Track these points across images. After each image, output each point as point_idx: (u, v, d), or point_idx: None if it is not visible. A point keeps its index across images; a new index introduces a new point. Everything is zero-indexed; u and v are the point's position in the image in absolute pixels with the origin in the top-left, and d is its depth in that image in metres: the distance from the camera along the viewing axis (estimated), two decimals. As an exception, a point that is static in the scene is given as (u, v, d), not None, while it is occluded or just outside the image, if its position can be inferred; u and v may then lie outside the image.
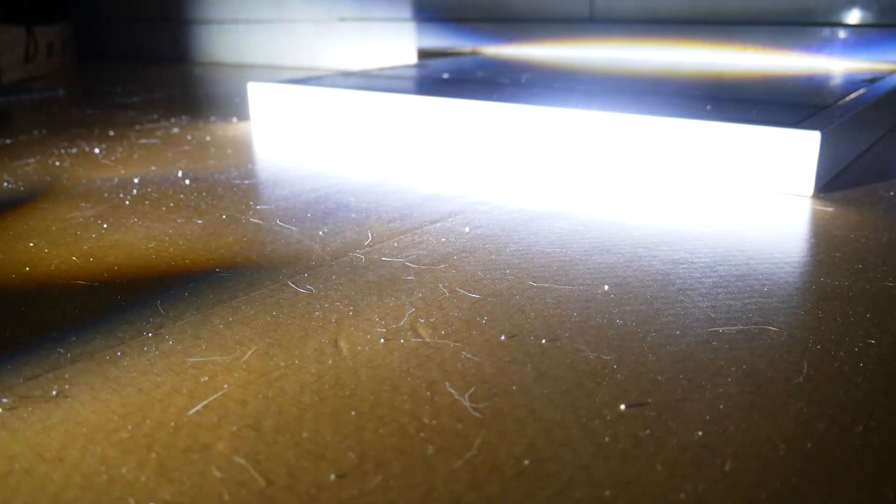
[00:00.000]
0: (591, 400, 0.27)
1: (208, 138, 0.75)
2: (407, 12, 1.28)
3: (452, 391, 0.28)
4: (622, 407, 0.27)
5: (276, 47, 1.47)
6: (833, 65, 0.93)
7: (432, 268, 0.40)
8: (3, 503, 0.23)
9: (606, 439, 0.25)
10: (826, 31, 0.94)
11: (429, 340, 0.32)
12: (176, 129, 0.80)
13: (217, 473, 0.24)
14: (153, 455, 0.25)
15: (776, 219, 0.48)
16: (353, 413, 0.27)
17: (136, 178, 0.60)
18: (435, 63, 1.02)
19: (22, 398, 0.28)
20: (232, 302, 0.36)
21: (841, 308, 0.34)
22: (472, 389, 0.28)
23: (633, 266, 0.40)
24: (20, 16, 1.54)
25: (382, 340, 0.32)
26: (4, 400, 0.28)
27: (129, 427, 0.26)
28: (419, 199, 0.52)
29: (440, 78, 0.86)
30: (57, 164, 0.66)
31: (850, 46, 0.93)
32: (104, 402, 0.28)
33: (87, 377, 0.30)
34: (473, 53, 1.17)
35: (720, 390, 0.28)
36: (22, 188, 0.57)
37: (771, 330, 0.32)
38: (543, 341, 0.32)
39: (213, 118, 0.86)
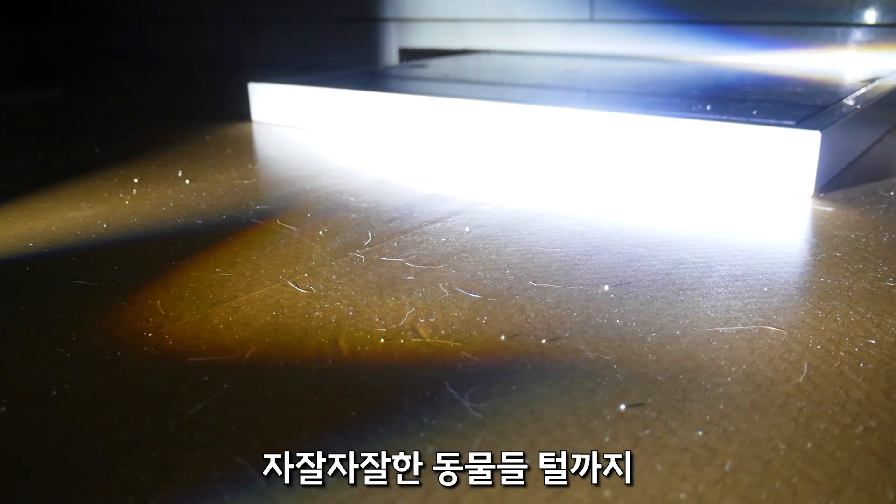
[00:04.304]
0: (591, 400, 0.27)
1: (208, 138, 0.75)
2: (407, 12, 1.28)
3: (452, 391, 0.28)
4: (622, 407, 0.27)
5: (275, 47, 1.47)
6: (833, 65, 0.93)
7: (432, 268, 0.40)
8: (3, 503, 0.23)
9: (606, 439, 0.25)
10: (826, 31, 0.94)
11: (429, 340, 0.32)
12: (176, 129, 0.80)
13: (217, 473, 0.24)
14: (153, 455, 0.25)
15: (776, 219, 0.48)
16: (353, 413, 0.27)
17: (136, 177, 0.60)
18: (435, 63, 1.02)
19: (22, 398, 0.28)
20: (232, 302, 0.36)
21: (841, 308, 0.34)
22: (472, 389, 0.28)
23: (633, 266, 0.40)
24: (20, 15, 1.54)
25: (382, 340, 0.32)
26: (4, 400, 0.28)
27: (129, 427, 0.26)
28: (419, 199, 0.52)
29: (440, 78, 0.86)
30: (56, 163, 0.66)
31: (851, 46, 0.93)
32: (104, 402, 0.28)
33: (87, 377, 0.30)
34: (473, 53, 1.17)
35: (720, 390, 0.28)
36: (21, 188, 0.57)
37: (771, 330, 0.32)
38: (543, 341, 0.32)
39: (213, 118, 0.86)
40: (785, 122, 0.53)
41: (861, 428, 0.25)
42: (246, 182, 0.58)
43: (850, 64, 0.93)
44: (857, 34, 0.92)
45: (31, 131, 0.88)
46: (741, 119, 0.55)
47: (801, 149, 0.51)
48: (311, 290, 0.37)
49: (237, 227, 0.47)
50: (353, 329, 0.33)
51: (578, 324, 0.33)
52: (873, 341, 0.31)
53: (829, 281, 0.37)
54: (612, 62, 1.01)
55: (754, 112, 0.58)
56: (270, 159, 0.67)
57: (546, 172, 0.59)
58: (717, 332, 0.32)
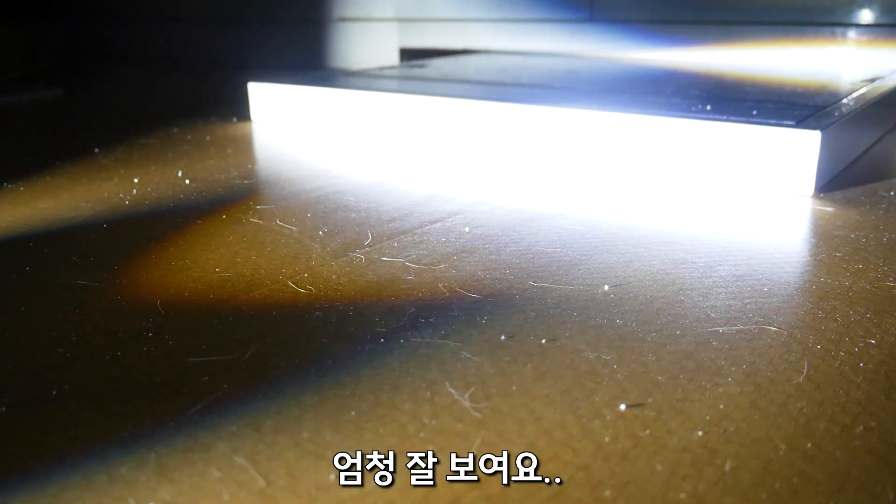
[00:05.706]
0: (591, 400, 0.27)
1: (208, 138, 0.75)
2: (407, 12, 1.28)
3: (452, 391, 0.28)
4: (622, 407, 0.27)
5: (275, 47, 1.47)
6: (833, 65, 0.93)
7: (432, 268, 0.40)
8: (4, 503, 0.23)
9: (606, 439, 0.25)
10: (826, 31, 0.94)
11: (429, 340, 0.32)
12: (176, 129, 0.80)
13: (217, 473, 0.24)
14: (153, 455, 0.25)
15: (776, 219, 0.48)
16: (352, 413, 0.27)
17: (136, 177, 0.60)
18: (435, 63, 1.02)
19: (22, 398, 0.28)
20: (232, 302, 0.36)
21: (841, 308, 0.34)
22: (472, 389, 0.28)
23: (633, 266, 0.40)
24: (19, 15, 1.54)
25: (382, 340, 0.32)
26: (4, 400, 0.28)
27: (130, 426, 0.26)
28: (419, 199, 0.52)
29: (440, 77, 0.86)
30: (56, 163, 0.66)
31: (851, 46, 0.93)
32: (104, 403, 0.28)
33: (88, 377, 0.30)
34: (473, 53, 1.17)
35: (720, 390, 0.28)
36: (21, 188, 0.57)
37: (771, 330, 0.32)
38: (543, 341, 0.32)
39: (213, 118, 0.86)
40: (785, 122, 0.53)
41: (861, 428, 0.25)
42: (246, 182, 0.58)
43: (850, 64, 0.93)
44: (857, 34, 0.92)
45: (31, 131, 0.88)
46: (741, 119, 0.55)
47: (801, 149, 0.51)
48: (311, 290, 0.37)
49: (237, 227, 0.47)
50: (353, 329, 0.33)
51: (578, 324, 0.33)
52: (873, 341, 0.31)
53: (829, 281, 0.37)
54: (612, 62, 1.01)
55: (754, 112, 0.58)
56: (270, 159, 0.67)
57: (546, 172, 0.59)
58: (718, 332, 0.32)
